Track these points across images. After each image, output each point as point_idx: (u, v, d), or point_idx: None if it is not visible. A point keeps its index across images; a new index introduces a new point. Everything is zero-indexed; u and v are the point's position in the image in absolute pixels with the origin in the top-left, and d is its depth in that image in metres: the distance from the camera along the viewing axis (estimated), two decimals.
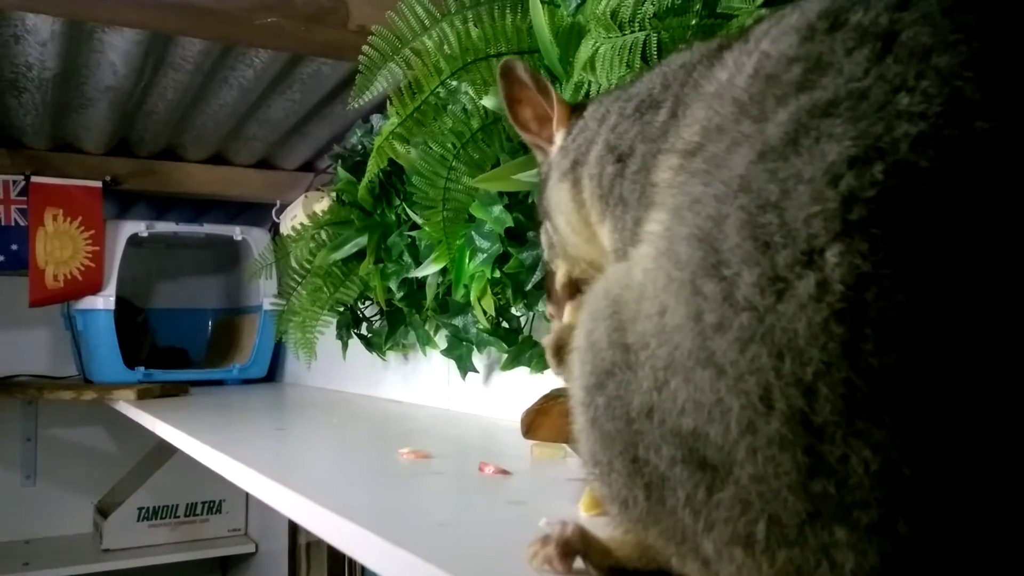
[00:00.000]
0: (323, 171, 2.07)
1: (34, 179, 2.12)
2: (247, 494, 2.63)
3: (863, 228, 0.34)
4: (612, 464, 0.45)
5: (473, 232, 1.19)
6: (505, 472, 0.89)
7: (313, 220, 1.64)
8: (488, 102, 0.98)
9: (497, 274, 1.18)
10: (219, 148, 2.17)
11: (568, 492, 0.79)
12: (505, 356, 1.24)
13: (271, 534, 2.49)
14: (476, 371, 1.40)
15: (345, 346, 1.78)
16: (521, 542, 0.61)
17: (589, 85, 0.86)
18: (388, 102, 1.09)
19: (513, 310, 1.22)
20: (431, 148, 1.01)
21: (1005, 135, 0.34)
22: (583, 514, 0.69)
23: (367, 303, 1.72)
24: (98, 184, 2.16)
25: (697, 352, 0.38)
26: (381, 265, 1.53)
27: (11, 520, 2.53)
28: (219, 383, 2.34)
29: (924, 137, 0.34)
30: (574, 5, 0.93)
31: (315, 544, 2.21)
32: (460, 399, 1.52)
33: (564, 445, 0.98)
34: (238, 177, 2.26)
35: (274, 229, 2.33)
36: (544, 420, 0.83)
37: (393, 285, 1.50)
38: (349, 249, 1.59)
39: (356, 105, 1.01)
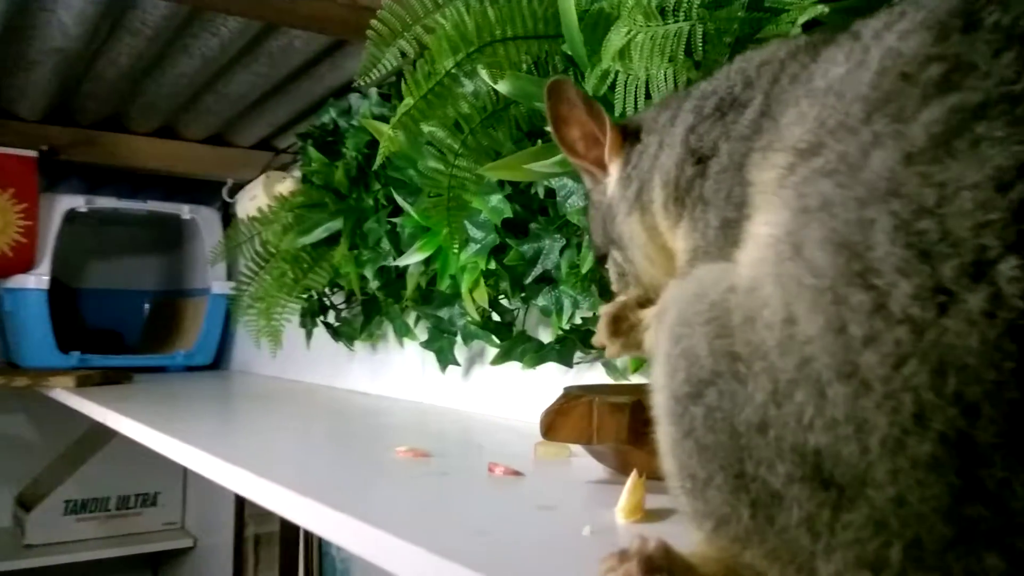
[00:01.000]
0: (285, 151, 1.98)
1: None
2: (184, 486, 2.52)
3: None
4: (711, 479, 0.42)
5: (466, 221, 1.15)
6: (517, 473, 0.85)
7: (281, 202, 1.56)
8: (503, 87, 0.93)
9: (492, 265, 1.14)
10: (168, 120, 2.04)
11: (598, 496, 0.76)
12: (497, 351, 1.19)
13: (212, 528, 2.38)
14: (457, 364, 1.36)
15: (309, 335, 1.71)
16: (568, 552, 0.57)
17: (616, 75, 0.83)
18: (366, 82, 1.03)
19: (507, 303, 1.18)
20: (438, 132, 0.96)
21: None
22: (621, 520, 0.66)
23: (335, 291, 1.64)
24: (33, 154, 2.01)
25: (837, 366, 0.36)
26: (356, 252, 1.47)
27: None
28: (161, 370, 2.22)
29: None
30: None
31: (265, 538, 2.13)
32: (435, 393, 1.47)
33: (569, 445, 0.95)
34: (188, 152, 2.13)
35: (224, 209, 2.22)
36: (565, 421, 0.79)
37: (369, 273, 1.44)
38: (320, 234, 1.52)
39: (364, 82, 0.95)
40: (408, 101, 0.91)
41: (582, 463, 0.91)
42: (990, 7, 0.39)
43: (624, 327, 0.61)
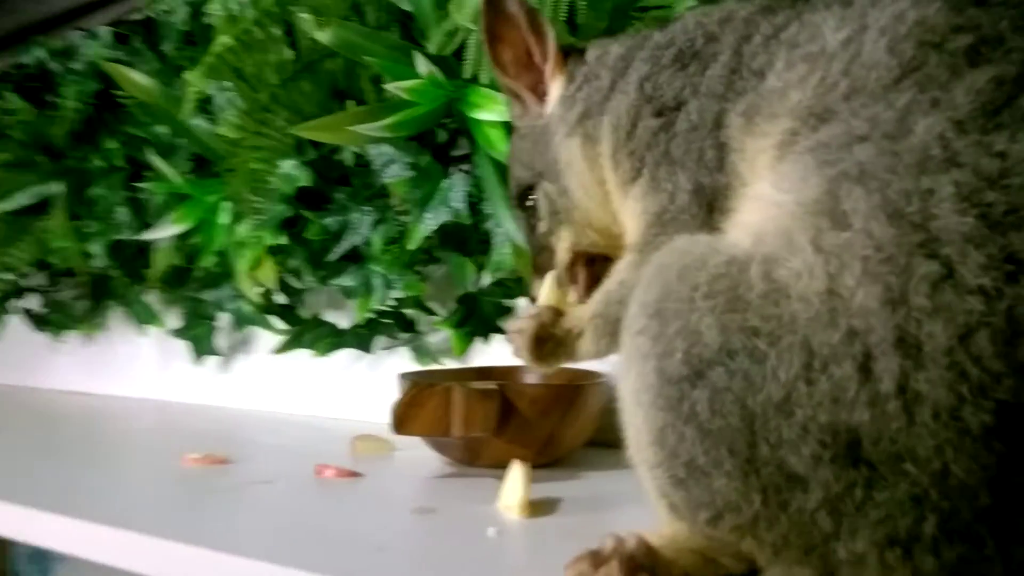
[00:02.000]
0: None
1: None
2: None
3: None
4: (718, 465, 0.39)
5: (246, 190, 1.00)
6: (354, 473, 0.76)
7: None
8: (325, 36, 0.81)
9: (283, 240, 1.00)
10: None
11: (468, 492, 0.70)
12: (281, 338, 1.06)
13: None
14: (217, 354, 1.19)
15: (0, 324, 1.38)
16: (484, 559, 0.52)
17: (472, 36, 0.77)
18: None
19: (298, 283, 1.05)
20: (244, 84, 0.82)
21: None
22: (515, 516, 0.61)
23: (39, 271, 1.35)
24: None
25: (894, 338, 0.35)
26: (79, 223, 1.21)
27: None
28: None
29: None
30: None
31: None
32: (184, 389, 1.27)
33: (391, 439, 0.87)
34: None
35: None
36: (419, 412, 0.72)
37: (98, 248, 1.20)
38: (23, 199, 1.24)
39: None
40: (224, 40, 0.75)
41: (411, 456, 0.83)
42: None
43: (550, 346, 0.55)
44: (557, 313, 0.55)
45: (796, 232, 0.39)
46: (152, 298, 1.24)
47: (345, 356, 1.08)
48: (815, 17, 0.46)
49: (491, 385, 0.73)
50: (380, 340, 1.04)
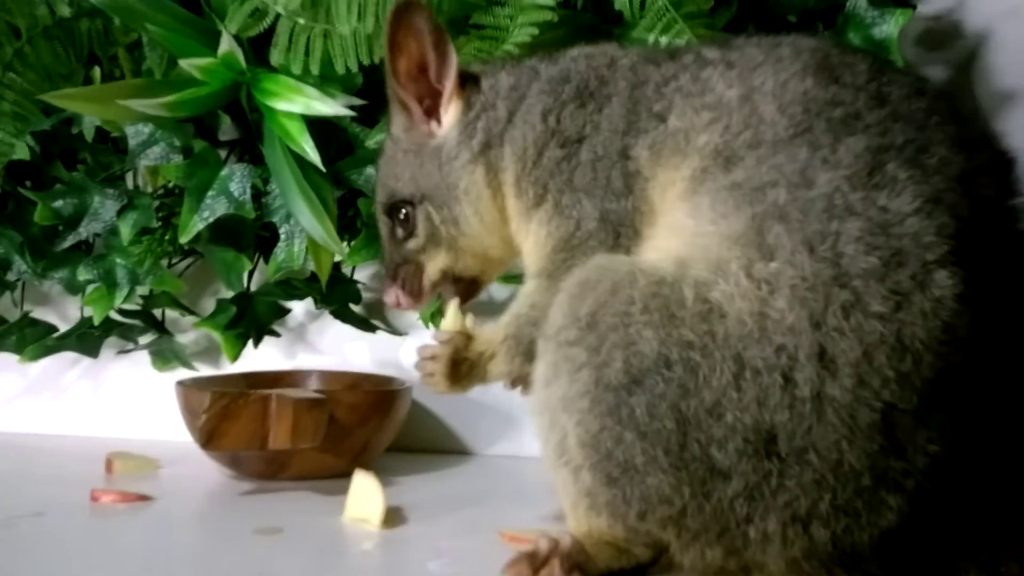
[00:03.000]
0: None
1: None
2: None
3: (962, 256, 0.44)
4: (652, 463, 0.45)
5: None
6: (143, 497, 0.67)
7: None
8: None
9: None
10: None
11: (301, 505, 0.66)
12: None
13: None
14: None
15: None
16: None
17: (279, 21, 0.72)
18: None
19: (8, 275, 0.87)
20: None
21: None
22: (374, 528, 0.60)
23: None
24: None
25: (815, 353, 0.43)
26: None
27: None
28: None
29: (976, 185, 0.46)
30: None
31: None
32: None
33: (154, 458, 0.78)
34: None
35: None
36: (232, 425, 0.66)
37: None
38: None
39: None
40: None
41: (186, 473, 0.76)
42: (842, 63, 0.49)
43: (465, 368, 0.56)
44: (467, 337, 0.56)
45: (726, 260, 0.45)
46: None
47: (58, 362, 0.93)
48: (703, 73, 0.52)
49: (310, 394, 0.70)
50: (111, 343, 0.91)
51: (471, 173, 0.57)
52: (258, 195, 0.81)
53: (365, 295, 0.87)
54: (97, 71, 0.80)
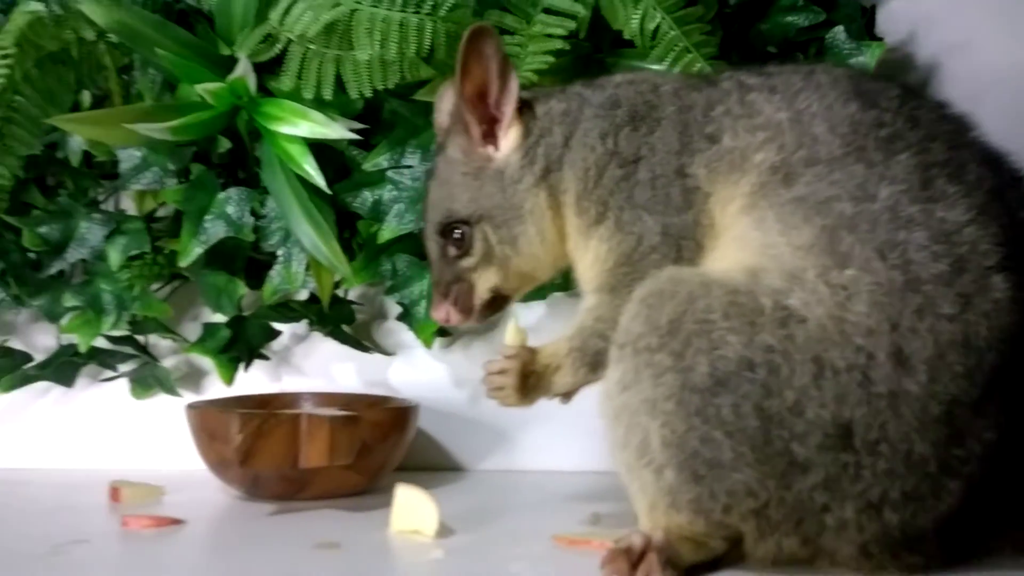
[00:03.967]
0: None
1: None
2: None
3: (1012, 262, 0.49)
4: (739, 460, 0.48)
5: None
6: (176, 521, 0.67)
7: None
8: (97, 14, 0.69)
9: None
10: None
11: (349, 524, 0.65)
12: None
13: None
14: None
15: None
16: None
17: (290, 46, 0.73)
18: None
19: None
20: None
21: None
22: (428, 538, 0.61)
23: None
24: None
25: (891, 354, 0.47)
26: None
27: None
28: None
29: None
30: None
31: None
32: None
33: (161, 486, 0.77)
34: None
35: None
36: (264, 445, 0.67)
37: None
38: None
39: None
40: None
41: (196, 498, 0.75)
42: (875, 88, 0.54)
43: (532, 381, 0.59)
44: (531, 351, 0.59)
45: (801, 268, 0.49)
46: None
47: (26, 392, 0.89)
48: (748, 97, 0.56)
49: (342, 412, 0.71)
50: (88, 371, 0.88)
51: (535, 196, 0.61)
52: (260, 218, 0.81)
53: (359, 315, 0.89)
54: (86, 95, 0.79)
